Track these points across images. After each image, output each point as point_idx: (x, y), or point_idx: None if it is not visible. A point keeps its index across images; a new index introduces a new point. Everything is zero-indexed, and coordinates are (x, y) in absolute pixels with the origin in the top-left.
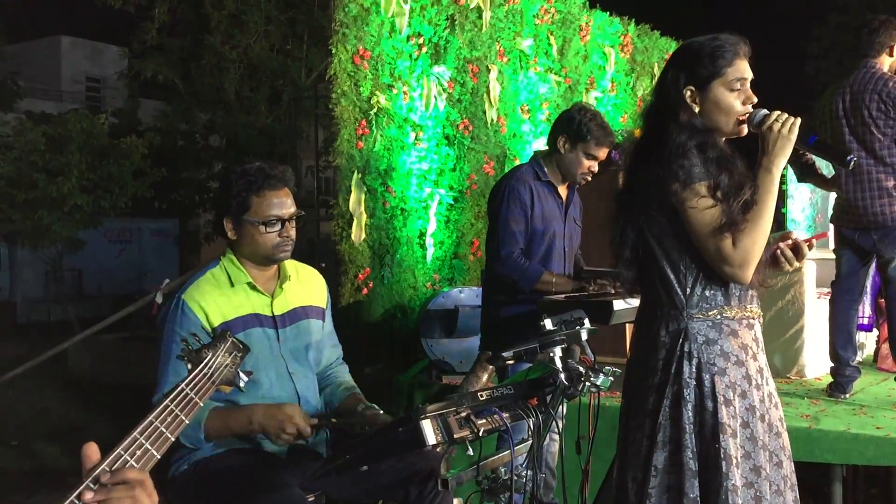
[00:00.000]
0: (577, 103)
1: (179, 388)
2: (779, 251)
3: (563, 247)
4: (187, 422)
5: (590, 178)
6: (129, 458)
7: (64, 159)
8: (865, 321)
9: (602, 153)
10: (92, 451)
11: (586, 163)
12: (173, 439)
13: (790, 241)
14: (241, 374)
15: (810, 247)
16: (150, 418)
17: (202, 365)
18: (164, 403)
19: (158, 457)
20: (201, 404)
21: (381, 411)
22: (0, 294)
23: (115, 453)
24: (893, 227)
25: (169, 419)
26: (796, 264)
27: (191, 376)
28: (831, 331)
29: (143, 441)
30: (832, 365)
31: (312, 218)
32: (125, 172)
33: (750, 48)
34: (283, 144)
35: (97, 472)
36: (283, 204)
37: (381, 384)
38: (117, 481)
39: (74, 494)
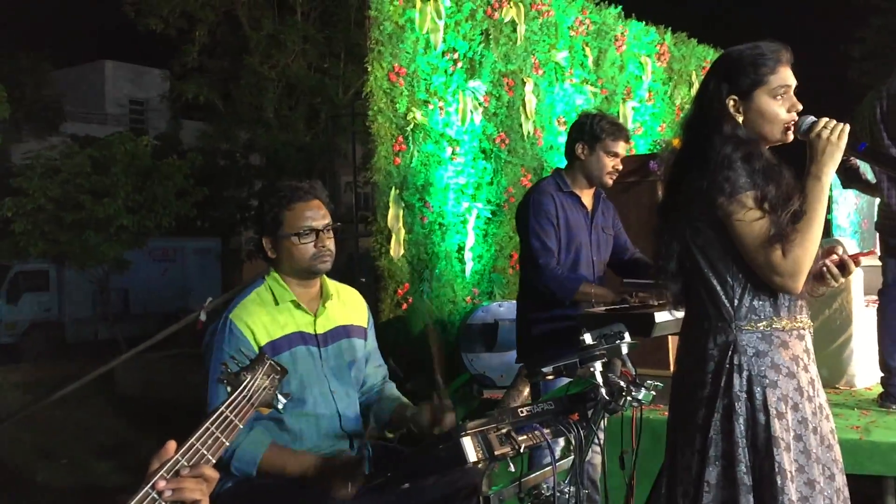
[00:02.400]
0: (582, 111)
1: (220, 412)
2: (825, 268)
3: (591, 256)
4: (227, 443)
5: (615, 177)
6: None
7: (109, 181)
8: None
9: (620, 148)
10: (171, 446)
11: (608, 161)
12: (214, 461)
13: (836, 258)
14: (280, 397)
15: (857, 263)
16: (191, 440)
17: (241, 387)
18: (205, 426)
19: None
20: (241, 426)
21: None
22: (49, 314)
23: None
24: None
25: (210, 441)
26: (842, 280)
27: (230, 399)
28: (880, 340)
29: (186, 464)
30: (882, 375)
31: (351, 234)
32: (168, 192)
33: (792, 55)
34: (321, 161)
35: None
36: (315, 215)
37: (422, 400)
38: (195, 475)
39: (149, 485)
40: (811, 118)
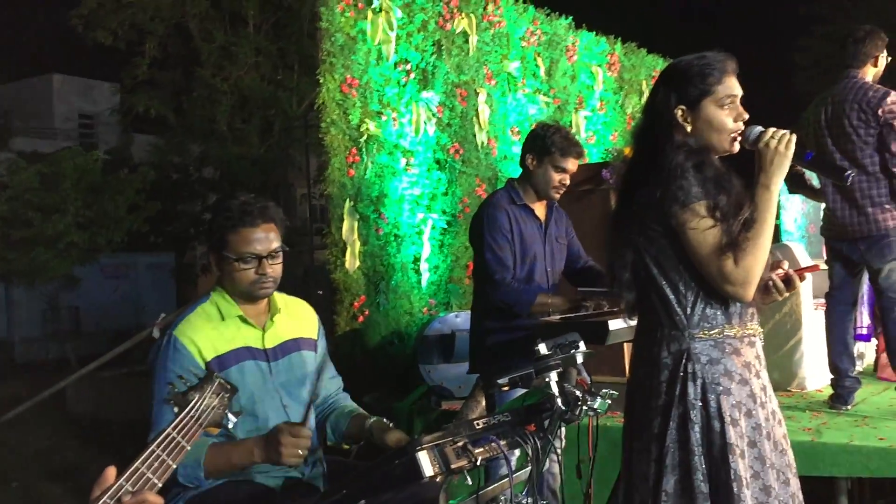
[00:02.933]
0: (539, 122)
1: (166, 433)
2: (770, 282)
3: (546, 267)
4: (174, 466)
5: (561, 192)
6: None
7: (58, 197)
8: (864, 331)
9: (570, 164)
10: (111, 473)
11: (556, 176)
12: (161, 484)
13: (782, 272)
14: (230, 415)
15: (802, 278)
16: (136, 464)
17: (189, 407)
18: (151, 449)
19: None
20: (188, 448)
21: (391, 424)
22: None
23: None
24: (879, 237)
25: (156, 464)
26: (786, 295)
27: (177, 419)
28: (828, 342)
29: (130, 489)
30: (832, 377)
31: (307, 247)
32: (120, 208)
33: (737, 64)
34: (276, 174)
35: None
36: (262, 240)
37: (380, 413)
38: (138, 501)
39: None
40: (758, 128)
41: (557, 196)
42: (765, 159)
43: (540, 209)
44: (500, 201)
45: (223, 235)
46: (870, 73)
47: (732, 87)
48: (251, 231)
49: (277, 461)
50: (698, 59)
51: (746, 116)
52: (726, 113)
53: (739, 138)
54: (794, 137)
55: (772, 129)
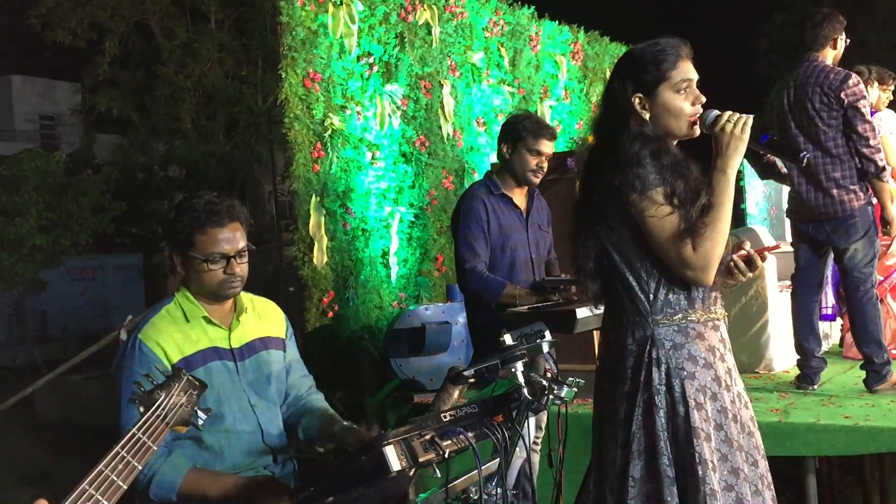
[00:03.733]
0: (511, 113)
1: (131, 434)
2: (732, 262)
3: (530, 255)
4: (140, 467)
5: (540, 176)
6: None
7: (20, 200)
8: (829, 311)
9: (543, 146)
10: None
11: (532, 160)
12: (125, 487)
13: (744, 253)
14: (199, 413)
15: (763, 258)
16: (99, 467)
17: (155, 407)
18: (115, 450)
19: None
20: (155, 448)
21: (359, 427)
22: None
23: None
24: (844, 218)
25: (121, 467)
26: (749, 275)
27: (142, 420)
28: (795, 323)
29: (94, 492)
30: (798, 357)
31: (275, 244)
32: (84, 209)
33: (691, 49)
34: (242, 171)
35: None
36: (230, 240)
37: (353, 408)
38: None
39: None
40: (715, 112)
41: (537, 180)
42: (721, 143)
43: (520, 198)
44: (476, 192)
45: (189, 236)
46: (829, 56)
47: (687, 71)
48: (218, 231)
49: None
50: (652, 45)
51: (704, 100)
52: (683, 97)
53: (698, 122)
54: (750, 120)
55: (728, 113)
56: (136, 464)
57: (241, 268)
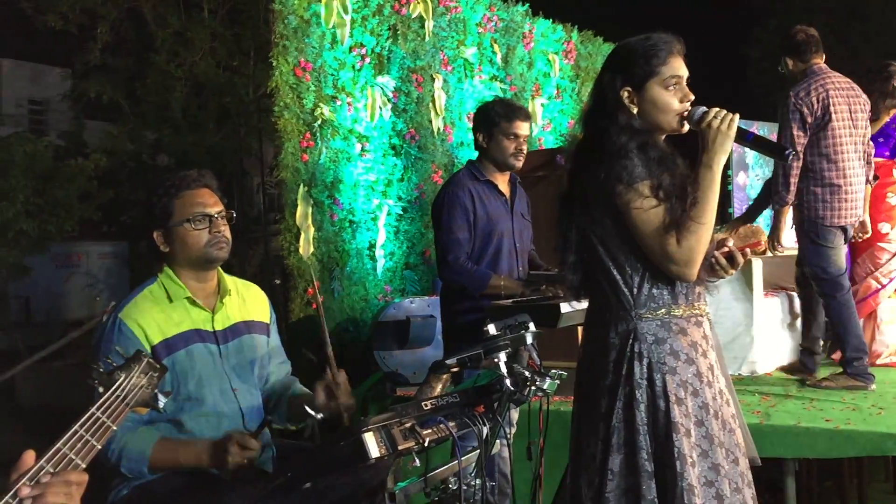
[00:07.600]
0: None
1: (89, 413)
2: (714, 259)
3: (514, 243)
4: (98, 446)
5: (522, 158)
6: None
7: (7, 184)
8: None
9: (519, 128)
10: (29, 456)
11: (510, 144)
12: (84, 465)
13: (726, 250)
14: (160, 395)
15: (744, 255)
16: (57, 445)
17: (114, 387)
18: (74, 429)
19: None
20: (114, 428)
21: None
22: None
23: (15, 490)
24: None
25: (79, 445)
26: (731, 272)
27: (102, 399)
28: (857, 325)
29: (51, 470)
30: (859, 356)
31: (262, 234)
32: (71, 196)
33: (684, 46)
34: (232, 162)
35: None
36: (207, 202)
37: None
38: (60, 480)
39: (10, 494)
40: (702, 108)
41: (518, 164)
42: (707, 139)
43: (503, 184)
44: (462, 179)
45: (166, 206)
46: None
47: (677, 67)
48: (194, 193)
49: (223, 467)
50: (643, 40)
51: (692, 97)
52: (671, 93)
53: (686, 118)
54: (737, 117)
55: (715, 109)
56: (94, 443)
57: (225, 229)
